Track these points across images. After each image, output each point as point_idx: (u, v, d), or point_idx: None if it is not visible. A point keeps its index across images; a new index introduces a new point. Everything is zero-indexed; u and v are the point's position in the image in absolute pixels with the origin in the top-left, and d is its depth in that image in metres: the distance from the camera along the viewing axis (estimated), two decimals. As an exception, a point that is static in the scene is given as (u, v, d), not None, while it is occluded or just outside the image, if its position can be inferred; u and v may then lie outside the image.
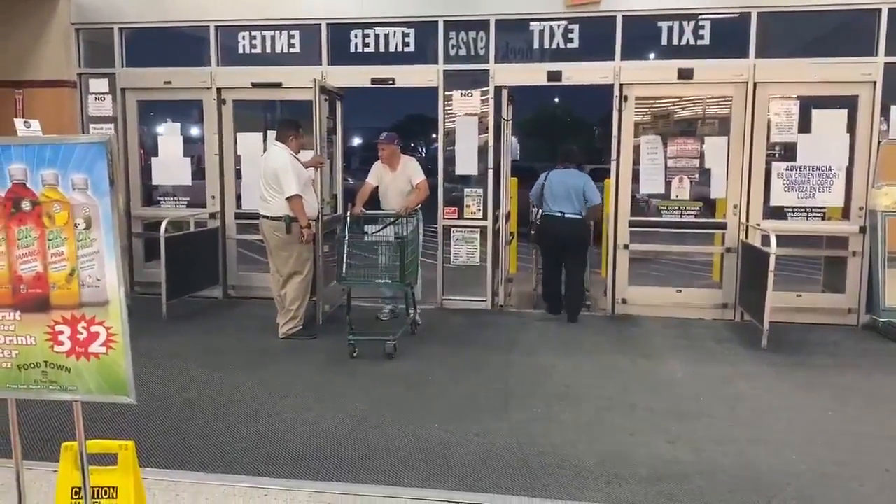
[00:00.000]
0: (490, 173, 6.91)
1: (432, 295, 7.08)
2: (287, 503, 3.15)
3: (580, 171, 6.96)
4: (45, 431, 3.84)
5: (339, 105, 7.10)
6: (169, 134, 7.65)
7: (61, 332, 2.21)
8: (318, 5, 6.99)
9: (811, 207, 6.46)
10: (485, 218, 6.97)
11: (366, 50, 7.03)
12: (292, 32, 7.15)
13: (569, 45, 6.71)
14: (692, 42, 6.51)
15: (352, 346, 5.37)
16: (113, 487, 2.52)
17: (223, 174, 7.37)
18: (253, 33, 7.19)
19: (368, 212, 6.32)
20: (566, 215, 6.44)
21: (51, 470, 2.92)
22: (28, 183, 2.14)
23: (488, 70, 6.79)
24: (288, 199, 5.66)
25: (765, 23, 6.35)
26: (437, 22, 6.82)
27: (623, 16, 6.51)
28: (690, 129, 6.98)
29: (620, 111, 6.60)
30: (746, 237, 6.47)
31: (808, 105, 6.39)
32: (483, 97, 6.86)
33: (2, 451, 3.37)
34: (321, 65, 7.02)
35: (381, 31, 6.98)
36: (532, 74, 6.78)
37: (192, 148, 7.71)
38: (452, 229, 7.01)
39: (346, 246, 5.60)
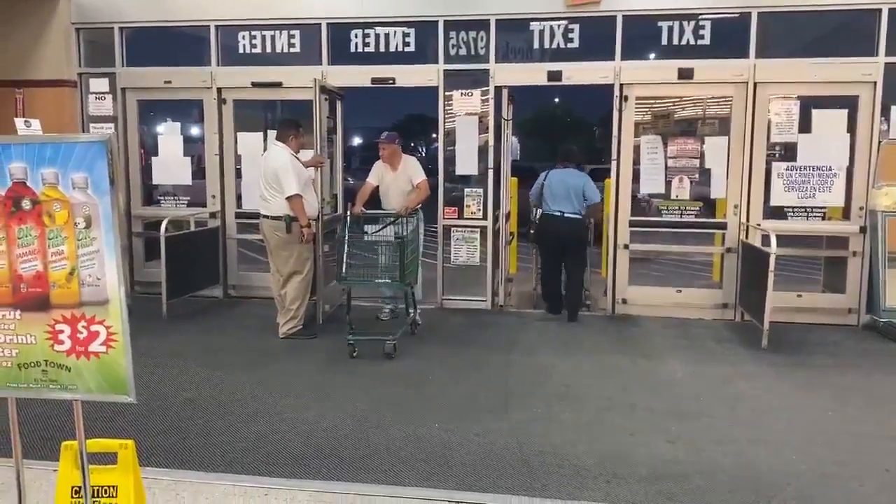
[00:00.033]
0: (490, 173, 6.91)
1: (432, 295, 7.08)
2: (287, 502, 3.15)
3: (580, 170, 6.96)
4: (45, 430, 3.84)
5: (339, 105, 7.10)
6: (169, 133, 7.66)
7: (61, 331, 2.21)
8: (318, 5, 6.99)
9: (811, 207, 6.46)
10: (485, 218, 6.97)
11: (366, 49, 7.03)
12: (292, 32, 7.15)
13: (569, 45, 6.71)
14: (692, 42, 6.51)
15: (352, 345, 5.37)
16: (113, 486, 2.52)
17: (223, 174, 7.37)
18: (253, 33, 7.20)
19: (368, 211, 6.32)
20: (566, 215, 6.45)
21: (51, 469, 2.92)
22: (28, 182, 2.14)
23: (488, 70, 6.79)
24: (288, 198, 5.66)
25: (765, 23, 6.35)
26: (437, 21, 6.82)
27: (623, 16, 6.51)
28: (691, 129, 6.98)
29: (620, 111, 6.60)
30: (747, 237, 6.47)
31: (808, 105, 6.39)
32: (483, 97, 6.86)
33: (2, 450, 3.37)
34: (321, 64, 7.02)
35: (381, 30, 6.98)
36: (532, 74, 6.78)
37: (193, 147, 7.71)
38: (452, 229, 7.01)
39: (346, 246, 5.60)
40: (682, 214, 6.70)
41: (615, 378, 4.95)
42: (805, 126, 6.39)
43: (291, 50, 7.18)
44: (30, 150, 2.13)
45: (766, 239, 5.89)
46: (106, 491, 2.52)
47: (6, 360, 2.26)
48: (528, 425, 4.08)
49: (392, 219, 6.17)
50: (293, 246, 5.78)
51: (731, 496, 3.27)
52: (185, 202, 7.58)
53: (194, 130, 7.87)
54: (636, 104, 6.67)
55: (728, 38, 6.53)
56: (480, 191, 6.95)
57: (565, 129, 30.87)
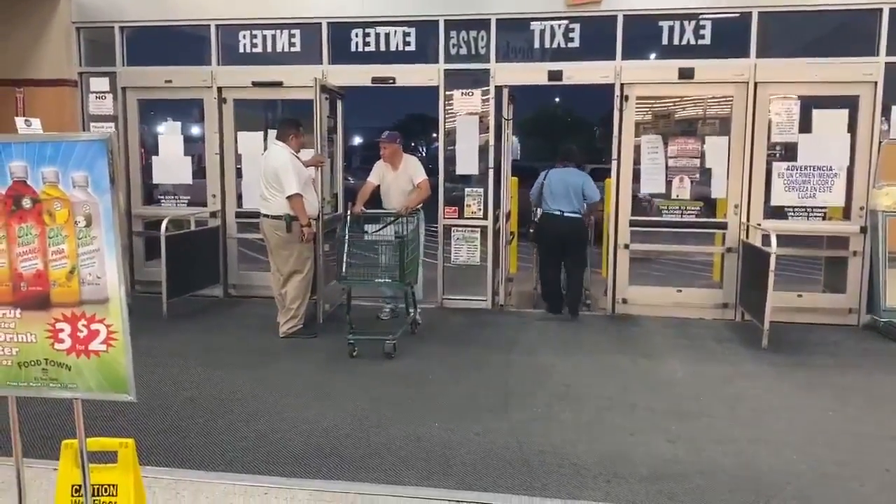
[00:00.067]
0: (490, 173, 6.91)
1: (432, 294, 7.08)
2: (287, 502, 3.15)
3: (580, 170, 6.96)
4: (46, 429, 3.84)
5: (339, 104, 7.10)
6: (169, 133, 7.66)
7: (62, 330, 2.21)
8: (318, 4, 6.99)
9: (812, 207, 6.46)
10: (485, 217, 6.97)
11: (366, 49, 7.04)
12: (293, 31, 7.15)
13: (569, 45, 6.71)
14: (693, 42, 6.51)
15: (352, 345, 5.37)
16: (113, 485, 2.52)
17: (224, 173, 7.37)
18: (254, 32, 7.20)
19: (369, 211, 6.32)
20: (565, 214, 6.45)
21: (51, 468, 2.92)
22: (29, 180, 2.15)
23: (489, 69, 6.79)
24: (288, 197, 5.66)
25: (765, 23, 6.35)
26: (437, 21, 6.82)
27: (624, 15, 6.51)
28: (691, 129, 6.98)
29: (621, 111, 6.60)
30: (747, 237, 6.47)
31: (808, 105, 6.38)
32: (484, 96, 6.86)
33: (2, 448, 3.38)
34: (322, 64, 7.02)
35: (381, 30, 6.98)
36: (533, 74, 6.78)
37: (193, 147, 7.71)
38: (453, 229, 7.01)
39: (346, 245, 5.60)
40: (682, 214, 6.70)
41: (615, 378, 4.95)
42: (805, 126, 6.39)
43: (292, 49, 7.18)
44: (30, 149, 2.13)
45: (766, 239, 5.89)
46: (106, 490, 2.52)
47: (6, 358, 2.26)
48: (528, 425, 4.08)
49: (392, 218, 6.17)
50: (293, 245, 5.78)
51: (732, 496, 3.27)
52: (186, 201, 7.58)
53: (195, 130, 7.88)
54: (637, 104, 6.67)
55: (729, 37, 6.53)
56: (481, 190, 6.96)
57: (566, 128, 30.90)
